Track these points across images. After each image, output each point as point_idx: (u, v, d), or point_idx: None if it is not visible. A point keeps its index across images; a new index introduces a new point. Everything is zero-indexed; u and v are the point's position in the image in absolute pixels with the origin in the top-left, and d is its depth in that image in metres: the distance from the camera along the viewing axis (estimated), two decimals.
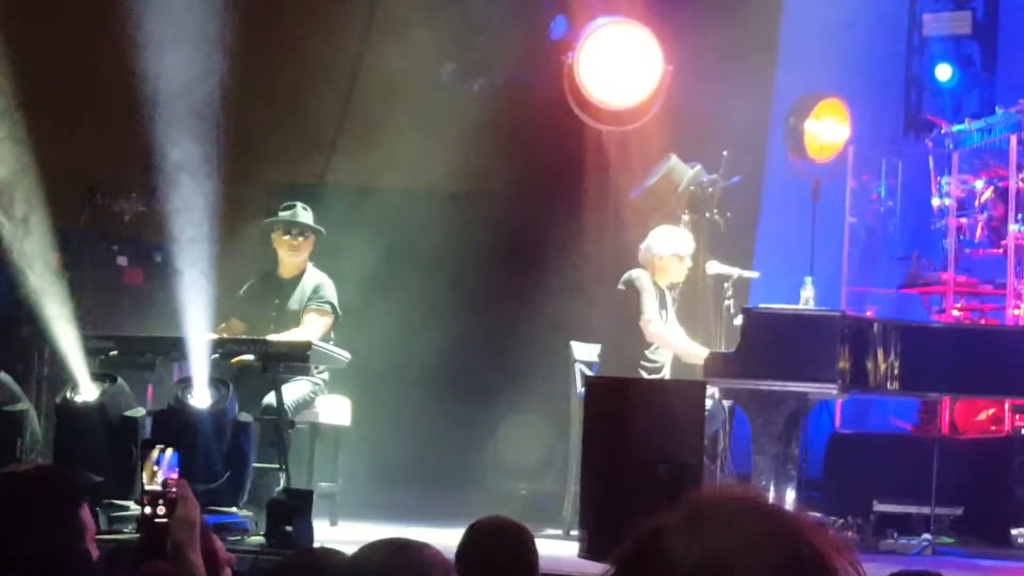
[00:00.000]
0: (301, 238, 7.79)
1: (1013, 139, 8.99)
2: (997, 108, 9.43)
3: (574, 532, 7.16)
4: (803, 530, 1.44)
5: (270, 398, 7.34)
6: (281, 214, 7.86)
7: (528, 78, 9.65)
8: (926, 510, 8.12)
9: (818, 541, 1.43)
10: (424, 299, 9.07)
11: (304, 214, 7.88)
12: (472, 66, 9.58)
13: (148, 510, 3.68)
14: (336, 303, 7.87)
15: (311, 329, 7.63)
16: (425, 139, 9.18)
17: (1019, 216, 9.00)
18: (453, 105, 9.22)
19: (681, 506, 1.47)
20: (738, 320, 7.55)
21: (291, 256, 7.83)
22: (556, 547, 7.14)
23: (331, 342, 7.69)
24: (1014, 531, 8.10)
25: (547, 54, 9.51)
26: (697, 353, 7.81)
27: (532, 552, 3.84)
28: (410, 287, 9.00)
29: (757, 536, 1.43)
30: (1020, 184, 9.00)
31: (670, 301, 8.05)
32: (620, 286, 8.07)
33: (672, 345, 7.91)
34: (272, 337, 7.59)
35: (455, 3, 9.44)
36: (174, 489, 3.92)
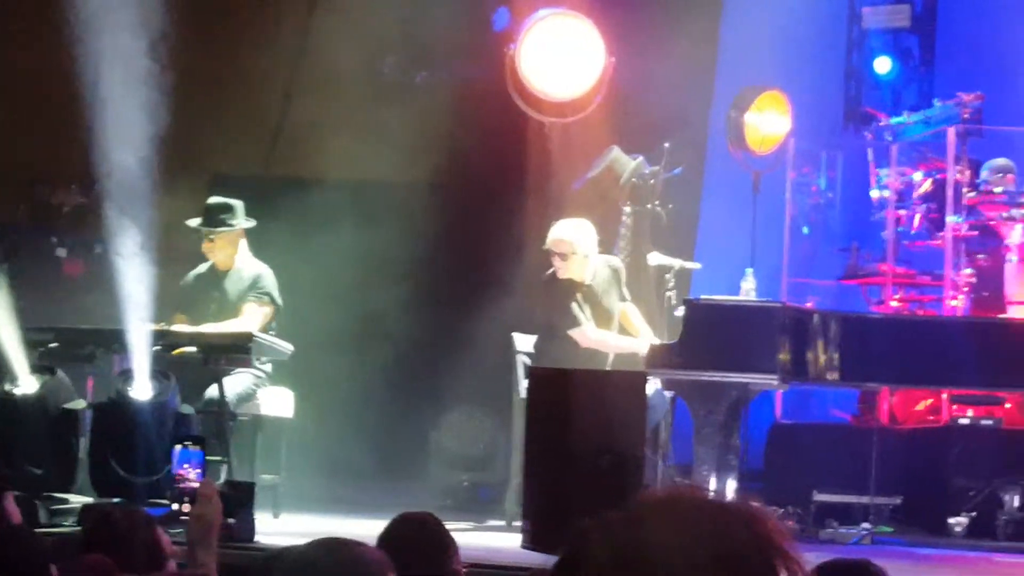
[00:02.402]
0: (212, 237, 7.83)
1: (951, 132, 9.13)
2: (935, 101, 9.58)
3: (517, 523, 7.16)
4: (747, 520, 1.46)
5: (212, 390, 7.37)
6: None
7: (470, 70, 9.67)
8: (865, 499, 8.24)
9: (761, 530, 1.45)
10: (368, 290, 9.07)
11: (217, 211, 7.88)
12: (414, 58, 9.60)
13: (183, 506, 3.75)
14: (275, 294, 7.88)
15: (250, 320, 7.68)
16: (368, 131, 9.17)
17: (956, 208, 9.09)
18: (396, 97, 9.33)
19: (626, 504, 1.49)
20: (680, 311, 7.57)
21: (210, 254, 7.90)
22: (498, 539, 7.22)
23: (272, 332, 7.70)
24: (951, 520, 8.20)
25: (489, 46, 9.52)
26: (629, 347, 7.85)
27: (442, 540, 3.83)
28: (354, 278, 8.99)
29: (702, 529, 1.44)
30: (958, 176, 9.11)
31: (614, 291, 8.12)
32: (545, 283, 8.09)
33: (613, 348, 7.90)
34: (211, 328, 7.60)
35: None
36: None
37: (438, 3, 9.35)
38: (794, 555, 1.48)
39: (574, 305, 7.89)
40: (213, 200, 7.96)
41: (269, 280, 7.81)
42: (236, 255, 7.87)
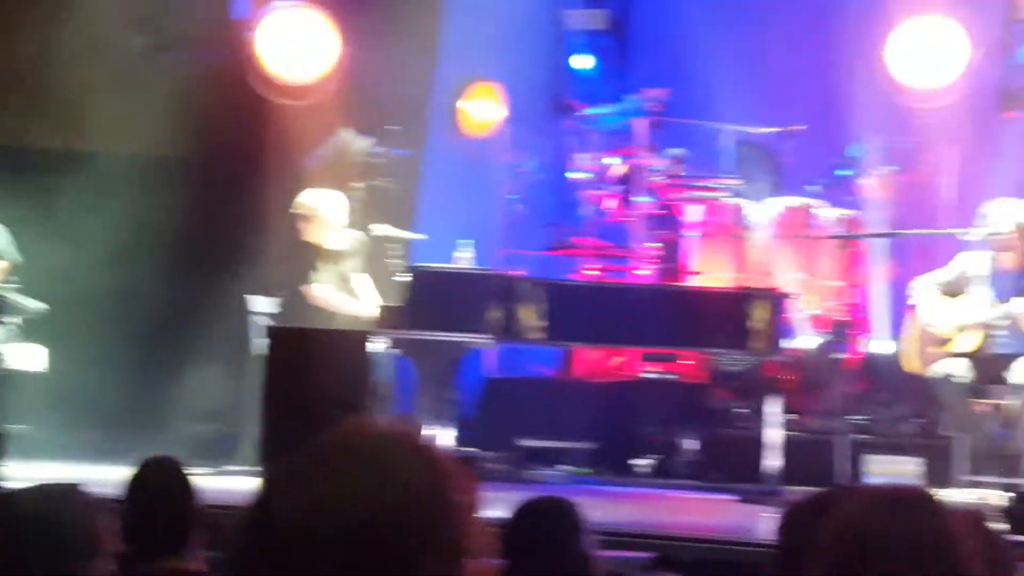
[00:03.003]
0: None
1: (640, 122, 9.52)
2: (628, 96, 9.95)
3: (253, 468, 7.30)
4: (442, 466, 1.47)
5: None
6: None
7: (213, 53, 9.48)
8: (564, 445, 8.79)
9: (457, 477, 1.47)
10: (124, 257, 8.95)
11: None
12: (161, 41, 9.41)
13: None
14: (10, 249, 7.89)
15: None
16: (121, 106, 9.07)
17: (644, 190, 9.45)
18: (146, 77, 9.20)
19: (329, 440, 1.50)
20: (405, 277, 7.79)
21: None
22: (237, 482, 7.19)
23: (16, 287, 7.76)
24: (638, 462, 8.72)
25: (230, 32, 9.53)
26: (354, 311, 8.13)
27: None
28: (111, 246, 8.86)
29: (406, 473, 1.45)
30: (644, 161, 9.46)
31: (352, 258, 8.36)
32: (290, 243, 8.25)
33: (337, 308, 8.16)
34: None
35: None
36: None
37: None
38: (467, 488, 1.49)
39: (310, 264, 8.19)
40: None
41: (3, 237, 7.89)
42: None
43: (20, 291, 7.87)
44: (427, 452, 1.48)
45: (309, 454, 1.47)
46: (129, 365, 9.06)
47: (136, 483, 3.85)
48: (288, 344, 7.12)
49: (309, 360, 6.90)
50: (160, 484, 3.82)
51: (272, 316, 8.18)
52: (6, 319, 7.75)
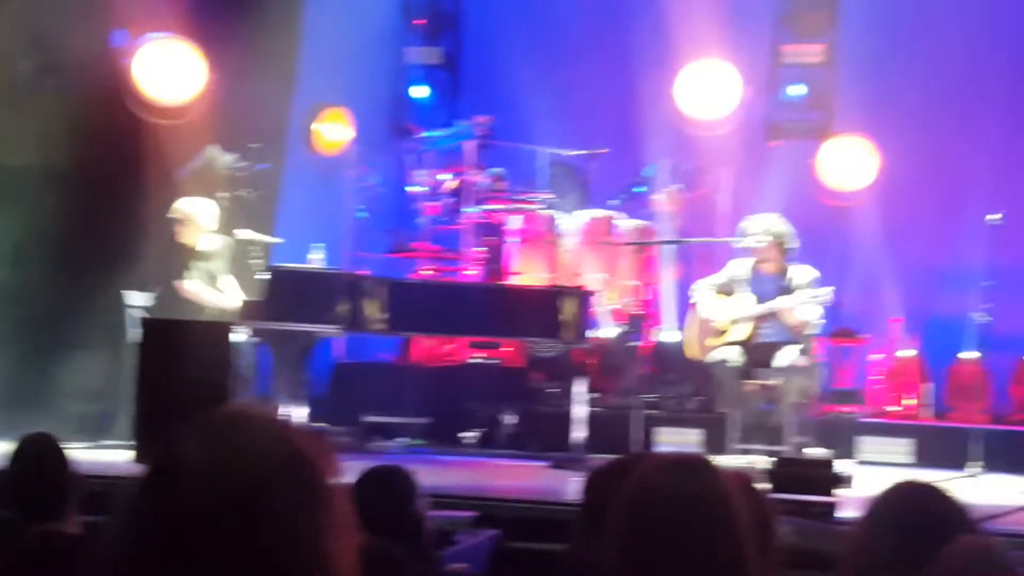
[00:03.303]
0: None
1: (468, 144, 9.69)
2: (458, 121, 10.18)
3: (127, 442, 7.23)
4: (297, 439, 1.44)
5: None
6: None
7: (94, 77, 9.13)
8: (402, 420, 8.89)
9: (307, 442, 1.45)
10: (10, 255, 8.80)
11: None
12: (48, 65, 9.02)
13: None
14: None
15: None
16: (12, 122, 8.92)
17: (472, 202, 9.59)
18: (34, 97, 8.99)
19: (204, 418, 1.46)
20: (265, 275, 7.72)
21: None
22: (113, 455, 7.25)
23: None
24: (466, 434, 8.96)
25: (111, 59, 9.39)
26: (220, 304, 8.07)
27: None
28: (4, 248, 8.77)
29: (263, 439, 1.43)
30: (472, 177, 9.60)
31: (219, 259, 8.31)
32: (166, 243, 8.13)
33: (204, 302, 8.13)
34: None
35: (27, 8, 8.98)
36: None
37: (66, 21, 8.93)
38: (328, 458, 1.46)
39: (183, 262, 8.16)
40: None
41: None
42: None
43: None
44: (284, 426, 1.46)
45: (193, 431, 1.43)
46: (18, 353, 8.86)
47: (16, 455, 3.81)
48: (160, 333, 6.97)
49: (178, 348, 6.75)
50: (38, 456, 3.78)
51: (146, 309, 8.10)
52: None
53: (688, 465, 2.13)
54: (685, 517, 2.03)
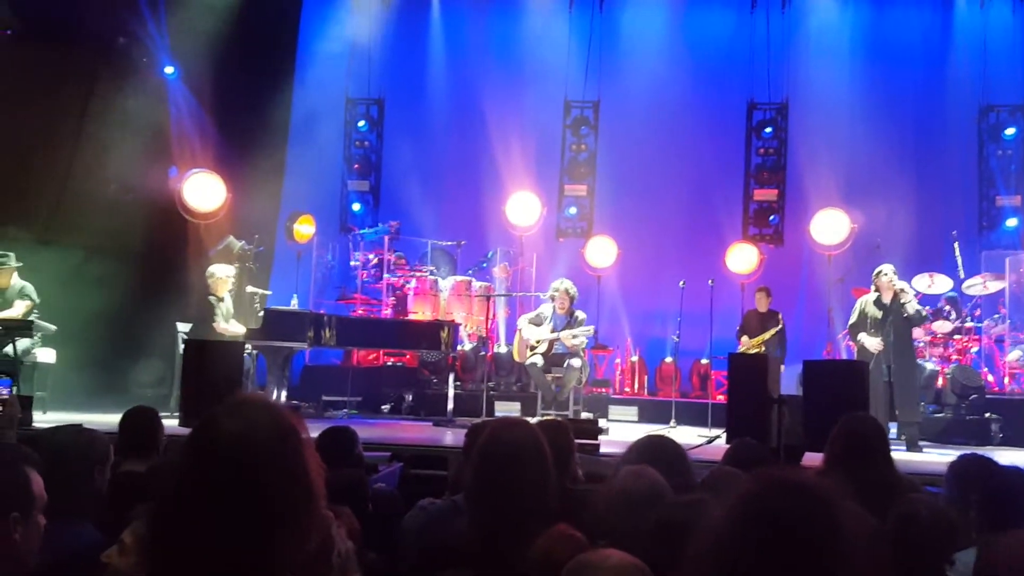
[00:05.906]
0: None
1: (386, 238, 9.48)
2: (380, 223, 9.90)
3: (178, 414, 6.58)
4: (282, 411, 1.37)
5: (8, 348, 6.89)
6: None
7: (157, 196, 9.14)
8: (345, 399, 8.53)
9: (291, 417, 1.37)
10: (104, 293, 8.35)
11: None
12: (127, 187, 8.89)
13: None
14: (33, 295, 7.20)
15: (20, 310, 7.23)
16: (112, 224, 8.56)
17: (388, 270, 9.30)
18: (118, 208, 8.74)
19: (225, 402, 1.37)
20: (262, 313, 7.46)
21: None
22: (171, 421, 6.56)
23: (36, 315, 7.18)
24: (382, 407, 8.61)
25: (168, 184, 9.27)
26: (233, 332, 7.62)
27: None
28: (102, 283, 8.38)
29: (263, 415, 1.35)
30: (387, 256, 9.41)
31: (229, 302, 7.82)
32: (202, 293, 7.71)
33: (232, 335, 7.59)
34: (4, 314, 7.07)
35: (116, 151, 8.64)
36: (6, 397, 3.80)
37: (140, 160, 8.83)
38: (302, 431, 1.37)
39: (214, 307, 7.77)
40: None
41: (29, 289, 7.36)
42: (10, 278, 7.35)
43: (40, 317, 7.12)
44: (274, 405, 1.38)
45: (219, 408, 1.34)
46: (111, 359, 8.55)
47: (125, 419, 3.44)
48: (197, 348, 6.52)
49: (208, 357, 6.36)
50: (142, 419, 3.43)
51: (187, 333, 7.75)
52: (35, 334, 7.26)
53: (514, 422, 2.04)
54: (512, 454, 1.96)
